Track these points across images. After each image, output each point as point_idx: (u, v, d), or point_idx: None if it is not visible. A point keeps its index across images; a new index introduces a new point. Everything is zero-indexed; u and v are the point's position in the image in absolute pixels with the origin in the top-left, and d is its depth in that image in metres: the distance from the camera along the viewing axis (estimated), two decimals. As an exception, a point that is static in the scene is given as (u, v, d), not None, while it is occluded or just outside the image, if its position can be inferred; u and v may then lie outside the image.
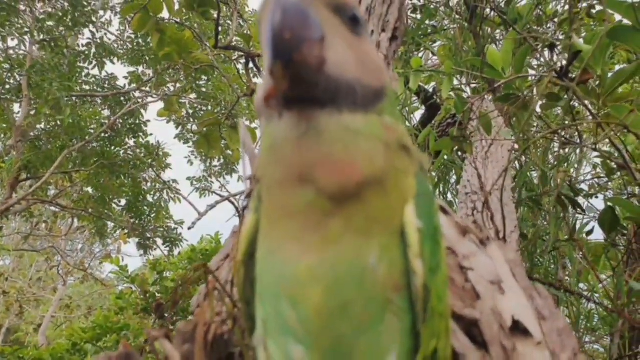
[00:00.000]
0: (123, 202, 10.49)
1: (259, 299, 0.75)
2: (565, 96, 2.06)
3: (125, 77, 10.20)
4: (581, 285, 3.18)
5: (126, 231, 10.50)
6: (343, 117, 0.66)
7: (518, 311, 0.98)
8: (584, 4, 2.42)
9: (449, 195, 3.92)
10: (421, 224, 0.69)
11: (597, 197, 3.46)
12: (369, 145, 0.67)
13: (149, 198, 10.63)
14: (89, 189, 10.37)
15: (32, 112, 9.73)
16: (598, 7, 2.35)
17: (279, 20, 0.62)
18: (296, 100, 0.67)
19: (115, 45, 10.00)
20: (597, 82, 2.02)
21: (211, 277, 1.32)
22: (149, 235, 10.26)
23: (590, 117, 1.86)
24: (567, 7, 2.65)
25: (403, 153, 0.72)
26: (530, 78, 2.33)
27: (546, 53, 2.45)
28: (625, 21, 1.62)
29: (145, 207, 10.37)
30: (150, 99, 10.28)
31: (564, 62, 2.37)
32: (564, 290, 1.78)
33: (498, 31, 3.51)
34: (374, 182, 0.67)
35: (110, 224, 10.76)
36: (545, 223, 3.11)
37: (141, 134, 10.26)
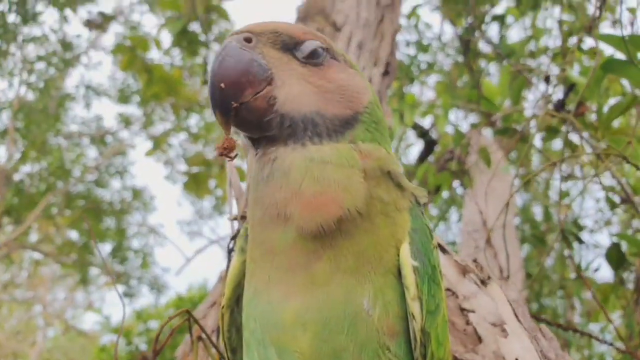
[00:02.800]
0: (108, 247, 10.24)
1: (245, 346, 0.70)
2: (563, 128, 2.04)
3: (115, 118, 10.16)
4: (591, 326, 3.08)
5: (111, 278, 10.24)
6: (306, 150, 0.64)
7: (521, 354, 0.94)
8: (575, 37, 2.43)
9: (450, 235, 3.87)
10: (417, 263, 0.64)
11: (601, 233, 3.40)
12: (341, 174, 0.63)
13: (135, 243, 10.42)
14: (74, 234, 10.12)
15: (18, 155, 9.64)
16: (588, 41, 2.36)
17: (215, 70, 0.64)
18: (259, 140, 0.67)
19: (106, 85, 9.97)
20: (594, 115, 2.01)
21: (196, 326, 1.24)
22: (134, 283, 10.00)
23: (590, 149, 1.82)
24: (558, 42, 2.68)
25: (389, 182, 0.67)
26: (527, 111, 2.31)
27: (541, 86, 2.44)
28: (618, 54, 1.60)
29: (132, 252, 10.16)
30: (138, 138, 10.18)
31: (560, 95, 2.36)
32: (573, 331, 1.70)
33: (492, 64, 3.55)
34: (358, 216, 0.63)
35: (95, 271, 10.49)
36: (551, 261, 3.04)
37: (127, 173, 10.11)
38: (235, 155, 0.68)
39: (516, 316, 1.04)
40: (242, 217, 1.36)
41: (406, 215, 0.68)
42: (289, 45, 0.68)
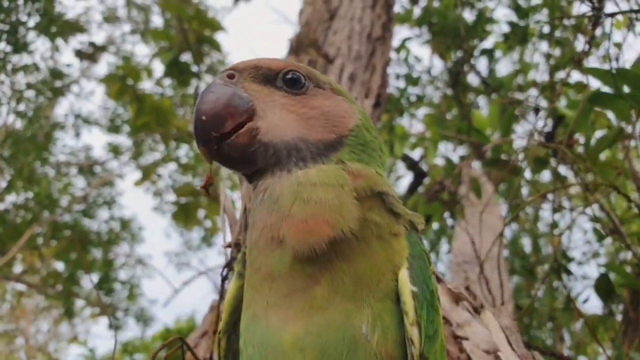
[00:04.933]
0: (94, 278, 10.02)
1: None
2: (553, 162, 2.06)
3: (104, 148, 10.09)
4: (581, 359, 3.06)
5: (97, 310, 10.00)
6: (293, 175, 0.66)
7: (517, 382, 0.92)
8: (562, 71, 2.49)
9: (440, 267, 3.86)
10: (416, 289, 0.65)
11: (589, 265, 3.42)
12: (331, 195, 0.64)
13: (122, 274, 10.25)
14: (59, 264, 9.93)
15: (4, 184, 9.51)
16: (575, 75, 2.42)
17: (198, 104, 0.67)
18: (251, 176, 0.70)
19: (97, 114, 9.93)
20: (582, 148, 2.04)
21: (188, 354, 1.22)
22: (120, 315, 9.80)
23: (579, 180, 1.85)
24: (545, 76, 2.75)
25: (381, 205, 0.68)
26: (516, 142, 2.35)
27: (530, 118, 2.49)
28: (605, 88, 1.64)
29: (119, 283, 9.99)
30: (127, 168, 10.11)
31: (549, 128, 2.41)
32: (566, 360, 1.69)
33: (481, 97, 3.61)
34: (353, 238, 0.64)
35: (80, 303, 10.26)
36: (540, 292, 3.04)
37: (115, 203, 9.99)
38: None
39: (509, 343, 1.03)
40: (236, 245, 1.35)
41: (403, 241, 0.68)
42: (269, 77, 0.71)
